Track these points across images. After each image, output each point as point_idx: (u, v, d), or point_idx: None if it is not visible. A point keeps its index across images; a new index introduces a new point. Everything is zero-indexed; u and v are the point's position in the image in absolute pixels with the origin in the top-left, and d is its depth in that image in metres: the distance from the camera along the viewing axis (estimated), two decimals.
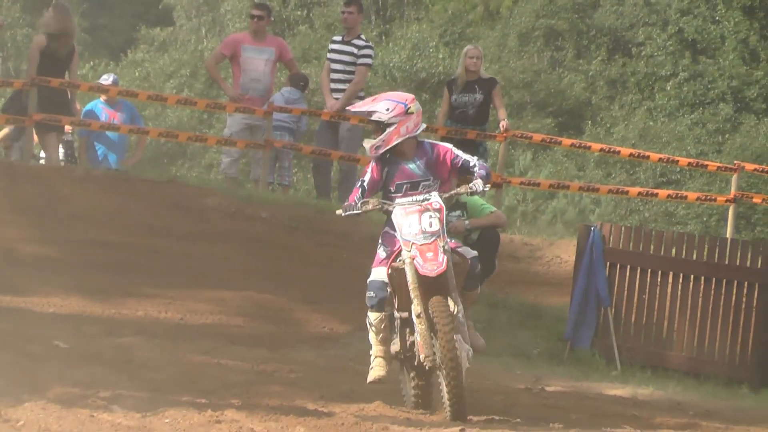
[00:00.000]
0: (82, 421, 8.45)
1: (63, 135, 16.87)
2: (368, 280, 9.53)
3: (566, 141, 22.57)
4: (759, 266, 13.90)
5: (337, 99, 16.50)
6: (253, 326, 14.01)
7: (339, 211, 9.88)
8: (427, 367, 9.00)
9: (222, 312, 14.25)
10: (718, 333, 14.45)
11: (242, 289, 14.46)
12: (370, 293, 9.41)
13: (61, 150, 17.06)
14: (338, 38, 17.75)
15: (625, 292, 14.60)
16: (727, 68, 38.45)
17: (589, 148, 25.60)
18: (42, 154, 17.13)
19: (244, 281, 14.61)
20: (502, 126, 17.50)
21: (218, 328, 13.85)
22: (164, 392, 10.00)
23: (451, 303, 8.95)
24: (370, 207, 9.31)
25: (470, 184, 9.25)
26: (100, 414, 8.81)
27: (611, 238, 14.70)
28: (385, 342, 9.54)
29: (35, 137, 16.97)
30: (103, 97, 17.57)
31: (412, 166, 9.26)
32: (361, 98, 16.58)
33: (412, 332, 9.22)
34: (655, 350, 14.62)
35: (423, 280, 9.03)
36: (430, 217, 9.03)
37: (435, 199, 9.09)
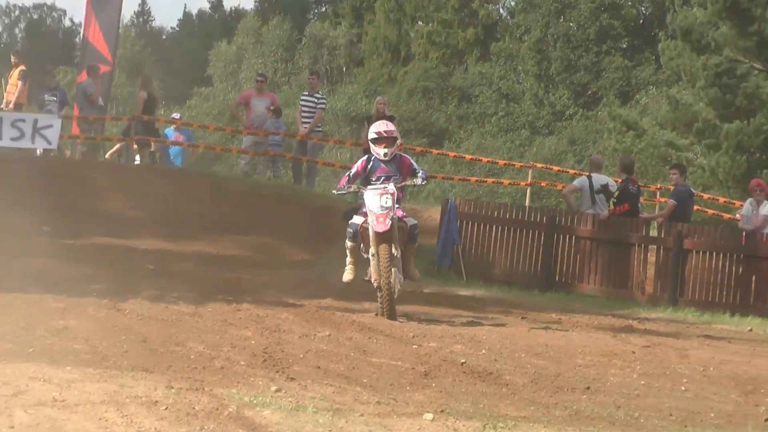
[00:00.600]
0: (161, 310, 11.95)
1: (150, 148, 24.39)
2: (349, 222, 13.48)
3: (434, 151, 37.61)
4: (543, 221, 19.88)
5: (305, 128, 24.04)
6: (258, 256, 19.07)
7: (333, 191, 14.33)
8: (375, 286, 12.98)
9: (240, 248, 19.67)
10: (521, 258, 20.22)
11: (251, 236, 20.13)
12: (349, 230, 13.35)
13: (148, 157, 24.77)
14: (306, 93, 25.72)
15: (468, 236, 20.26)
16: (525, 110, 59.58)
17: (447, 155, 40.60)
18: (138, 159, 24.48)
19: (252, 231, 20.38)
20: (398, 142, 23.12)
21: (238, 257, 18.79)
22: (208, 294, 13.78)
23: (393, 249, 12.85)
24: (352, 189, 13.39)
25: (414, 180, 13.31)
26: (172, 306, 12.40)
27: (460, 205, 20.58)
28: (354, 256, 13.53)
29: (135, 149, 24.79)
30: (173, 126, 26.16)
31: (389, 166, 13.19)
32: (320, 130, 26.05)
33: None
34: (485, 269, 20.08)
35: (377, 234, 12.89)
36: (387, 198, 12.84)
37: (391, 187, 12.92)
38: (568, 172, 27.51)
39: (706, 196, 27.08)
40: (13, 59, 24.61)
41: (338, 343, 11.62)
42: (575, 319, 15.84)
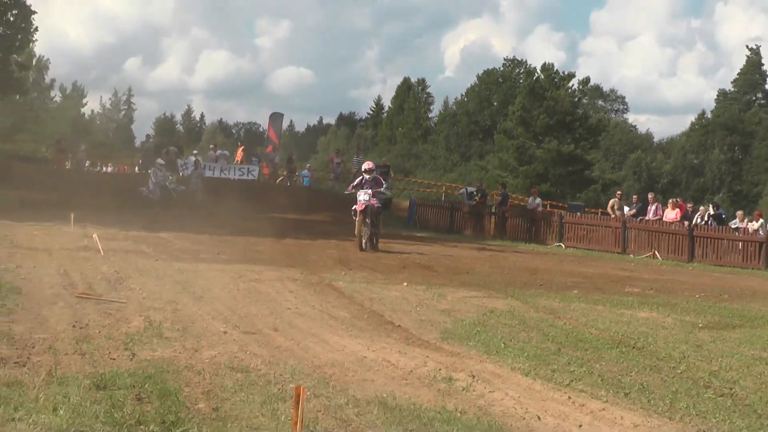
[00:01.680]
0: (297, 241, 27.92)
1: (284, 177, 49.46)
2: (353, 207, 27.06)
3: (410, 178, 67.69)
4: (448, 205, 43.86)
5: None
6: (336, 223, 35.93)
7: (346, 192, 29.93)
8: (355, 232, 26.87)
9: (329, 218, 38.78)
10: (441, 220, 42.41)
11: (333, 211, 39.65)
12: (353, 209, 26.88)
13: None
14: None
15: (423, 210, 42.75)
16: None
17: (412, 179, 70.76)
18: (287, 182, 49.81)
19: (334, 211, 39.35)
20: (392, 175, 44.11)
21: (329, 222, 37.24)
22: (316, 235, 30.36)
23: (366, 219, 26.61)
24: (354, 191, 27.02)
25: (380, 189, 27.02)
26: (301, 239, 28.30)
27: (419, 200, 43.96)
28: (360, 221, 26.57)
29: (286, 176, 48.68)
30: (307, 168, 55.12)
31: (371, 183, 26.84)
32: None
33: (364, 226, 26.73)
34: (428, 224, 41.34)
35: (361, 210, 26.50)
36: (369, 197, 26.61)
37: (370, 191, 26.61)
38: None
39: (513, 195, 58.13)
40: (239, 144, 51.90)
41: (368, 255, 25.40)
42: (463, 245, 32.39)
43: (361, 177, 27.31)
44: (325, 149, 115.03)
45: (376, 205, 26.61)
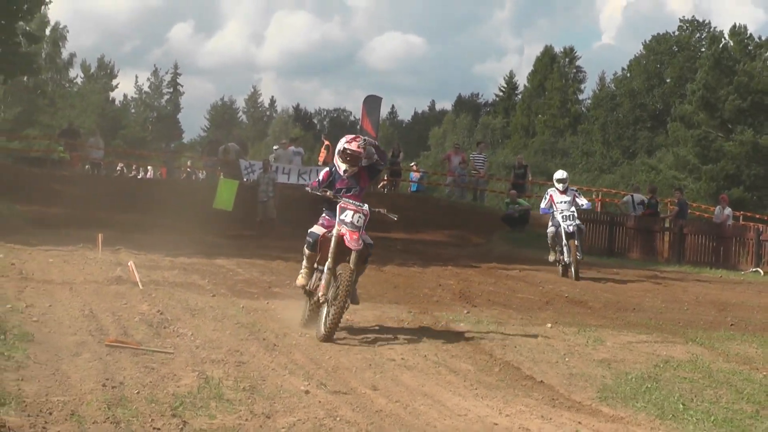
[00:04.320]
0: (405, 269, 27.09)
1: None
2: (309, 231, 16.73)
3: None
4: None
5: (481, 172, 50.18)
6: (454, 240, 38.12)
7: (307, 188, 17.16)
8: (320, 302, 16.20)
9: (444, 236, 39.02)
10: (608, 235, 41.34)
11: (451, 229, 39.97)
12: (308, 239, 16.60)
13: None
14: (476, 153, 52.75)
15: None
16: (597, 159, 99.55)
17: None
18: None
19: (451, 226, 40.56)
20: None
21: (443, 242, 37.92)
22: (429, 261, 29.47)
23: (354, 271, 16.09)
24: (327, 194, 16.54)
25: (388, 213, 17.03)
26: (410, 267, 27.71)
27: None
28: (310, 264, 16.80)
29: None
30: (414, 168, 58.86)
31: (350, 179, 16.73)
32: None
33: (319, 279, 16.53)
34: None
35: (341, 249, 16.19)
36: (360, 217, 16.25)
37: (365, 207, 16.44)
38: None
39: (694, 204, 55.09)
40: (323, 139, 51.83)
41: (498, 285, 24.48)
42: (627, 272, 31.54)
43: (332, 166, 17.02)
44: (440, 144, 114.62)
45: (364, 243, 16.31)
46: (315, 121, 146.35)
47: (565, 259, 25.99)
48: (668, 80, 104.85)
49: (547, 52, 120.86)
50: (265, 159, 46.02)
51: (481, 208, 47.25)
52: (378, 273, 25.06)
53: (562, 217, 25.10)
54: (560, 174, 26.34)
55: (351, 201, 16.30)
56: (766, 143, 73.16)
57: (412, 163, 58.70)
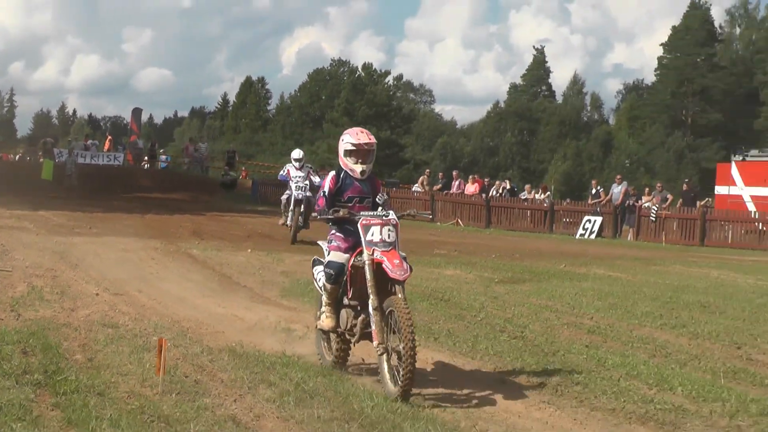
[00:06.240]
0: (92, 242, 21.35)
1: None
2: (327, 260, 8.54)
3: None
4: None
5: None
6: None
7: (314, 214, 11.52)
8: (379, 353, 7.99)
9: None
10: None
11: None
12: (329, 271, 8.40)
13: None
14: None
15: (264, 188, 41.85)
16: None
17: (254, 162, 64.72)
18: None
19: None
20: None
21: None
22: (134, 235, 25.59)
23: (407, 303, 7.95)
24: (340, 214, 8.35)
25: (420, 212, 9.59)
26: (99, 237, 23.98)
27: (260, 180, 43.24)
28: (332, 299, 8.56)
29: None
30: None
31: (364, 185, 8.70)
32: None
33: (356, 317, 8.38)
34: (269, 200, 39.97)
35: (379, 278, 8.06)
36: (389, 230, 8.21)
37: (393, 216, 8.33)
38: None
39: None
40: (107, 135, 52.16)
41: (218, 226, 26.79)
42: None
43: (336, 171, 9.32)
44: (180, 137, 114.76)
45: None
46: (101, 124, 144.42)
47: (288, 223, 22.37)
48: (323, 97, 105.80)
49: (248, 80, 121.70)
50: (70, 147, 47.82)
51: (207, 178, 47.96)
52: (141, 219, 25.54)
53: (296, 187, 23.49)
54: (296, 153, 22.95)
55: (371, 214, 8.42)
56: (384, 136, 75.58)
57: (161, 150, 58.33)
